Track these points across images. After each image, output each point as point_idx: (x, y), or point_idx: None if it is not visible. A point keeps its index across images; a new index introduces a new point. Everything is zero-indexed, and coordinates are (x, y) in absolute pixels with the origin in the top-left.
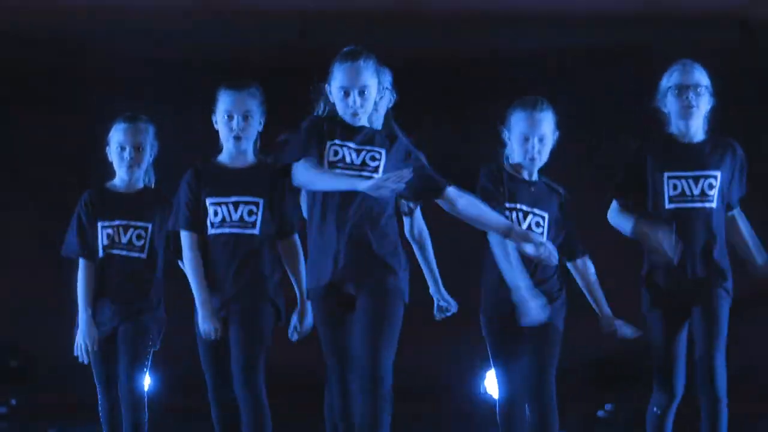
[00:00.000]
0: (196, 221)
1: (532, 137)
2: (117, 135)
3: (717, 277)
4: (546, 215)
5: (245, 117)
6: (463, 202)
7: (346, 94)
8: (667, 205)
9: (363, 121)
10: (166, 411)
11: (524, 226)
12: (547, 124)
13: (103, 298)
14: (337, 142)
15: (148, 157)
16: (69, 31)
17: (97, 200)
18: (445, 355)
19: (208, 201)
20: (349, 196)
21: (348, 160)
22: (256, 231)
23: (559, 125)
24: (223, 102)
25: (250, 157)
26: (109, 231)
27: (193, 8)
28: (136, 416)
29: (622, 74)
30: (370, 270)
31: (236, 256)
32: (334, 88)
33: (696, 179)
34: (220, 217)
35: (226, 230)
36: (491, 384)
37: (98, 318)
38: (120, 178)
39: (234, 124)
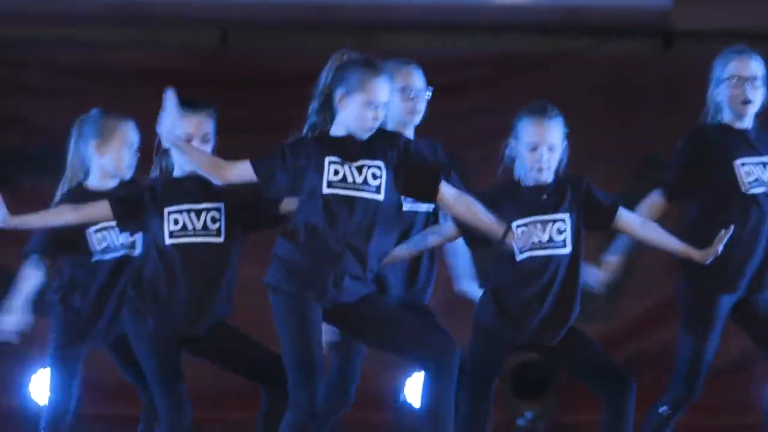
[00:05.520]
0: None
1: (540, 146)
2: (125, 135)
3: None
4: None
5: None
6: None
7: (373, 107)
8: (751, 190)
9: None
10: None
11: (545, 237)
12: (556, 133)
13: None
14: (333, 159)
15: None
16: None
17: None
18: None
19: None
20: None
21: (350, 180)
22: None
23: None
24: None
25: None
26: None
27: (114, 15)
28: None
29: (546, 80)
30: None
31: None
32: (358, 102)
33: (764, 165)
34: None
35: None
36: (411, 392)
37: None
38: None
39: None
